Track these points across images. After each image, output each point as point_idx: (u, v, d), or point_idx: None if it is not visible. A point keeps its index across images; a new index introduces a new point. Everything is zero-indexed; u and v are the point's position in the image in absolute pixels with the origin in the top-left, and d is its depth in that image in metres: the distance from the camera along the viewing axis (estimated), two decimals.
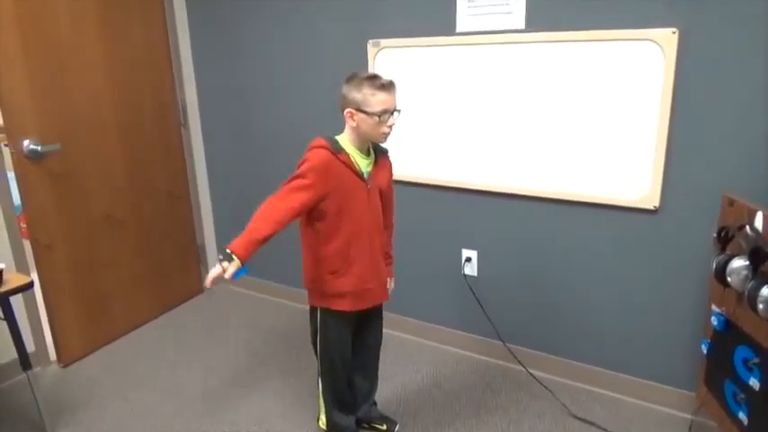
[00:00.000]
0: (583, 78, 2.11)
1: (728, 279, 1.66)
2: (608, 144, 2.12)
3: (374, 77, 1.71)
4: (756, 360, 1.60)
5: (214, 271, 1.58)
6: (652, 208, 2.10)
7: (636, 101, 2.03)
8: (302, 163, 1.72)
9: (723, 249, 1.75)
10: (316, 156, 1.72)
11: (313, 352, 2.02)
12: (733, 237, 1.71)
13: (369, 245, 1.84)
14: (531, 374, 2.45)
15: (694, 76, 1.93)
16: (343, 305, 1.86)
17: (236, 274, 1.59)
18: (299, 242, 1.88)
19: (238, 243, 1.61)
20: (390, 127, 1.74)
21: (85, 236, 2.71)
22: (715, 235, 1.78)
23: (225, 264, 1.58)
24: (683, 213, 2.07)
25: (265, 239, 1.64)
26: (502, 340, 2.54)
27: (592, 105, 2.12)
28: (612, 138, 2.11)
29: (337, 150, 1.74)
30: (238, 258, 1.58)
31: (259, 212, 1.66)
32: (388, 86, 1.71)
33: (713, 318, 1.81)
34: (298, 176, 1.69)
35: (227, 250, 1.59)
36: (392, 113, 1.73)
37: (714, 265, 1.72)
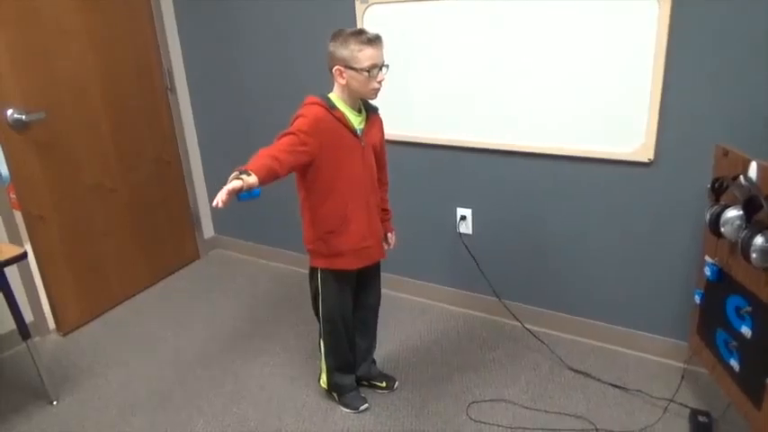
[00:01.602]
0: (576, 30, 2.06)
1: (722, 229, 1.67)
2: (602, 97, 2.09)
3: (360, 32, 1.67)
4: (749, 308, 1.63)
5: (233, 184, 1.43)
6: (646, 161, 2.09)
7: (630, 52, 1.99)
8: (296, 118, 1.70)
9: (717, 200, 1.75)
10: (310, 111, 1.70)
11: (313, 313, 2.04)
12: (727, 187, 1.71)
13: (365, 202, 1.84)
14: (526, 329, 2.49)
15: (690, 26, 1.89)
16: (343, 264, 1.87)
17: (252, 194, 1.48)
18: (296, 205, 1.87)
19: (253, 165, 1.51)
20: (380, 82, 1.72)
21: (77, 205, 2.68)
22: (709, 186, 1.78)
23: (244, 176, 1.46)
24: (677, 165, 2.06)
25: (270, 173, 1.54)
26: (497, 296, 2.57)
27: (586, 58, 2.08)
28: (607, 91, 2.08)
29: (332, 107, 1.72)
30: (255, 176, 1.48)
31: (262, 151, 1.58)
32: (375, 41, 1.68)
33: (706, 268, 1.83)
34: (291, 132, 1.67)
35: (243, 169, 1.49)
36: (381, 68, 1.70)
37: (708, 216, 1.72)
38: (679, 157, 2.05)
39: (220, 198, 1.40)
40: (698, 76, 1.93)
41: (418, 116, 2.50)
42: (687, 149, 2.02)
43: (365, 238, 1.88)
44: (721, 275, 1.78)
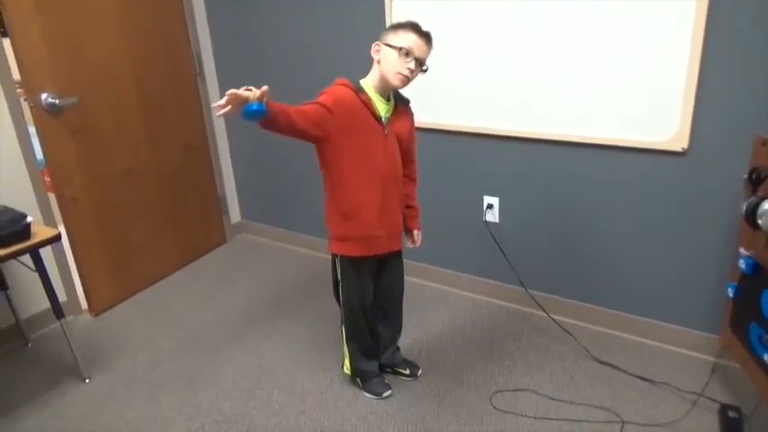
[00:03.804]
0: (609, 14, 2.01)
1: (759, 221, 1.62)
2: (635, 84, 2.04)
3: (416, 23, 1.72)
4: None
5: (239, 90, 1.44)
6: (680, 150, 2.03)
7: (666, 37, 1.94)
8: (321, 94, 1.72)
9: (754, 191, 1.70)
10: (336, 89, 1.73)
11: (335, 299, 2.05)
12: (765, 178, 1.66)
13: (381, 191, 1.82)
14: (552, 319, 2.47)
15: (729, 11, 1.83)
16: (349, 249, 1.87)
17: (254, 107, 1.45)
18: (321, 191, 1.88)
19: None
20: (409, 71, 1.70)
21: (109, 189, 2.74)
22: (746, 176, 1.73)
23: (248, 92, 1.45)
24: (712, 155, 2.00)
25: (281, 113, 1.53)
26: (523, 286, 2.55)
27: (618, 43, 2.03)
28: (640, 77, 2.02)
29: (359, 89, 1.73)
30: (261, 93, 1.46)
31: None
32: (425, 35, 1.72)
33: (741, 261, 1.78)
34: (316, 101, 1.69)
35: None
36: (416, 60, 1.70)
37: (744, 208, 1.67)
38: (715, 147, 1.99)
39: (224, 100, 1.42)
40: (736, 62, 1.87)
41: (446, 103, 2.48)
42: (723, 138, 1.96)
43: (374, 227, 1.85)
44: (757, 269, 1.73)
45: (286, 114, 1.56)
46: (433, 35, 1.74)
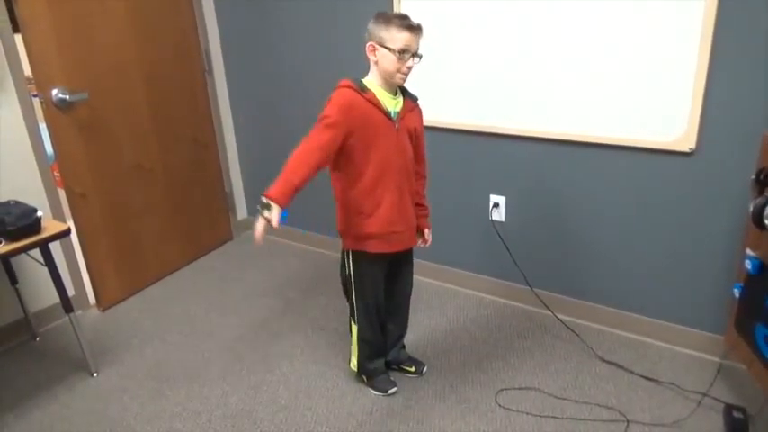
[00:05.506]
0: (617, 13, 2.01)
1: (766, 222, 1.62)
2: (642, 83, 2.04)
3: (404, 17, 1.70)
4: None
5: (259, 225, 1.61)
6: (687, 150, 2.03)
7: (674, 36, 1.93)
8: (327, 104, 1.73)
9: (761, 192, 1.70)
10: (340, 95, 1.72)
11: (344, 296, 2.06)
12: None
13: (397, 187, 1.84)
14: (557, 318, 2.47)
15: (737, 9, 1.82)
16: (370, 247, 1.88)
17: (282, 217, 1.61)
18: (327, 189, 1.88)
19: (274, 190, 1.62)
20: (408, 68, 1.72)
21: (117, 184, 2.75)
22: (753, 177, 1.73)
23: (266, 213, 1.59)
24: (720, 155, 2.00)
25: (299, 182, 1.64)
26: (529, 285, 2.55)
27: (625, 42, 2.03)
28: (647, 76, 2.02)
29: (363, 89, 1.74)
30: (277, 204, 1.60)
31: (290, 158, 1.66)
32: (416, 29, 1.70)
33: (747, 261, 1.78)
34: (322, 118, 1.70)
35: (264, 199, 1.60)
36: (413, 56, 1.71)
37: (751, 208, 1.68)
38: (722, 147, 1.99)
39: (259, 238, 1.62)
40: (745, 62, 1.87)
41: (453, 102, 2.49)
42: (731, 139, 1.96)
43: (393, 223, 1.86)
44: (763, 269, 1.73)
45: (303, 174, 1.64)
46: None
